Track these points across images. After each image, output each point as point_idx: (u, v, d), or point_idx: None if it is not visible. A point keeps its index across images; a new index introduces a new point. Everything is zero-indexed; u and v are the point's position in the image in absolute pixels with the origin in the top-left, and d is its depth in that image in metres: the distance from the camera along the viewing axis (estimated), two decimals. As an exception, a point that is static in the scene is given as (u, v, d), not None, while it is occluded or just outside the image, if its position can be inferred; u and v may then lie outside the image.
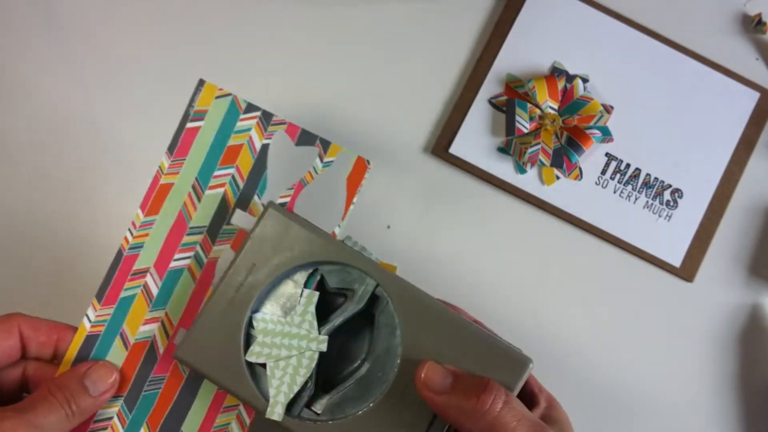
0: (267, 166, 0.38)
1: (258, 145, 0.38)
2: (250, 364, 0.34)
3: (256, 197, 0.38)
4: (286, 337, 0.34)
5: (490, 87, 0.52)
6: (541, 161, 0.51)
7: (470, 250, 0.51)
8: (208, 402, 0.37)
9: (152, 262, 0.37)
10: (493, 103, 0.52)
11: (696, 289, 0.51)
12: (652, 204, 0.52)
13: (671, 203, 0.52)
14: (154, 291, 0.37)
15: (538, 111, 0.51)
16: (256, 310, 0.35)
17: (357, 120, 0.52)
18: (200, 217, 0.38)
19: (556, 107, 0.51)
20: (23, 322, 0.35)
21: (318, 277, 0.35)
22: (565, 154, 0.51)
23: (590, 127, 0.51)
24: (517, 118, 0.50)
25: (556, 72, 0.52)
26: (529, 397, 0.37)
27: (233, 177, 0.38)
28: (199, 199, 0.38)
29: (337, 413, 0.34)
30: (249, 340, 0.35)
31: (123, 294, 0.37)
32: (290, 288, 0.35)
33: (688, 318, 0.51)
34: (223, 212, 0.38)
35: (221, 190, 0.38)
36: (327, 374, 0.35)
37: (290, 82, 0.53)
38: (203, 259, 0.38)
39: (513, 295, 0.51)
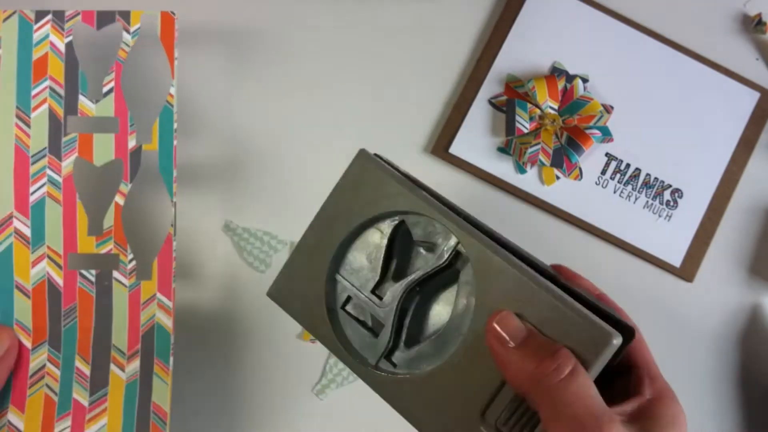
0: (79, 62, 0.37)
1: (62, 47, 0.37)
2: (331, 310, 0.34)
3: (81, 97, 0.37)
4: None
5: (490, 87, 0.52)
6: (541, 161, 0.51)
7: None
8: (125, 306, 0.37)
9: (11, 205, 0.37)
10: (493, 103, 0.52)
11: (696, 289, 0.51)
12: (652, 204, 0.52)
13: (671, 203, 0.52)
14: (27, 232, 0.37)
15: (538, 111, 0.51)
16: (341, 257, 0.35)
17: (357, 120, 0.52)
18: (36, 141, 0.37)
19: (556, 107, 0.51)
20: None
21: (403, 228, 0.35)
22: (565, 154, 0.51)
23: (590, 127, 0.51)
24: (517, 118, 0.50)
25: (556, 72, 0.52)
26: (635, 383, 0.32)
27: (51, 88, 0.37)
28: (28, 125, 0.37)
29: (413, 367, 0.33)
30: (334, 286, 0.35)
31: (0, 248, 0.37)
32: (376, 237, 0.35)
33: (688, 318, 0.51)
34: (57, 127, 0.37)
35: (45, 106, 0.37)
36: (413, 328, 0.35)
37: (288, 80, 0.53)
38: (58, 179, 0.37)
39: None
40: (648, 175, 0.52)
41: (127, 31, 0.37)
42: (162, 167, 0.37)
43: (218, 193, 0.51)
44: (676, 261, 0.51)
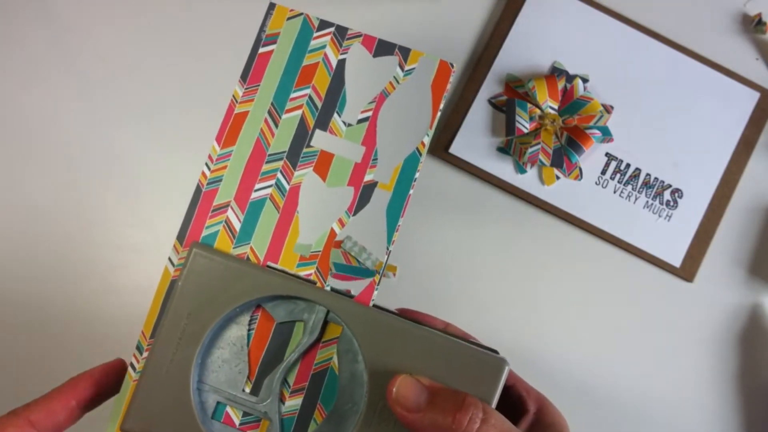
0: (345, 82, 0.36)
1: (334, 62, 0.37)
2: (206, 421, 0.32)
3: (336, 115, 0.36)
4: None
5: (490, 87, 0.52)
6: (541, 161, 0.51)
7: (469, 249, 0.51)
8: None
9: (232, 195, 0.36)
10: (493, 103, 0.52)
11: (696, 289, 0.51)
12: (652, 204, 0.52)
13: (671, 203, 0.52)
14: (237, 225, 0.35)
15: (538, 111, 0.51)
16: (202, 363, 0.33)
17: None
18: (279, 142, 0.36)
19: (556, 107, 0.51)
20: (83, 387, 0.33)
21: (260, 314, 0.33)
22: (565, 154, 0.51)
23: (590, 127, 0.51)
24: (517, 118, 0.50)
25: (556, 72, 0.52)
26: (516, 401, 0.35)
27: (310, 97, 0.36)
28: (276, 125, 0.36)
29: None
30: (201, 396, 0.33)
31: (205, 232, 0.35)
32: (235, 331, 0.33)
33: (688, 318, 0.51)
34: (302, 135, 0.36)
35: (299, 112, 0.36)
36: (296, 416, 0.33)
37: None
38: (285, 186, 0.36)
39: (512, 295, 0.51)
40: (648, 175, 0.52)
41: (402, 68, 0.37)
42: (390, 211, 0.35)
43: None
44: (676, 261, 0.51)
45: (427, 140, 0.36)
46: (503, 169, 0.51)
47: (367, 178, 0.36)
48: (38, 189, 0.52)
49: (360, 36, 0.37)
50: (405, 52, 0.37)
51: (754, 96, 0.53)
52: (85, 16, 0.53)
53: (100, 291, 0.51)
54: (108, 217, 0.52)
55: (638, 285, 0.51)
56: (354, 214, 0.35)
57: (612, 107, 0.52)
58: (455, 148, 0.51)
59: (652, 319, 0.51)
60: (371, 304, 0.33)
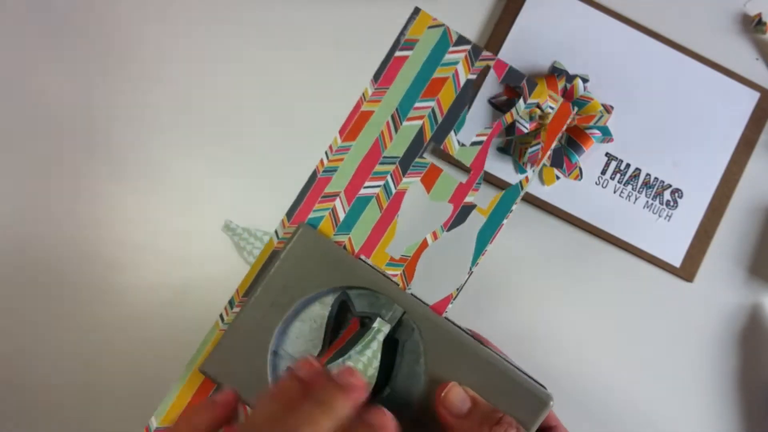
0: (467, 101, 0.38)
1: (462, 80, 0.38)
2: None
3: (452, 133, 0.38)
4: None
5: (490, 87, 0.52)
6: (541, 161, 0.51)
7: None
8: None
9: (343, 186, 0.38)
10: (493, 103, 0.52)
11: (696, 289, 0.51)
12: (652, 204, 0.52)
13: (671, 203, 0.52)
14: (341, 215, 0.38)
15: (538, 111, 0.51)
16: (283, 331, 0.35)
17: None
18: (395, 147, 0.38)
19: (556, 107, 0.51)
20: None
21: (345, 300, 0.36)
22: (565, 154, 0.51)
23: (590, 127, 0.51)
24: (517, 118, 0.50)
25: (556, 72, 0.52)
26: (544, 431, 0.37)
27: (433, 110, 0.38)
28: (396, 130, 0.38)
29: None
30: (276, 360, 0.35)
31: (312, 215, 0.38)
32: (318, 309, 0.36)
33: (688, 318, 0.51)
34: (418, 144, 0.38)
35: (419, 122, 0.38)
36: None
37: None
38: (392, 189, 0.38)
39: (511, 294, 0.51)
40: (648, 175, 0.52)
41: (524, 100, 0.38)
42: (481, 235, 0.37)
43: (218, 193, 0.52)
44: (676, 261, 0.51)
45: (531, 175, 0.37)
46: (503, 169, 0.51)
47: (468, 199, 0.38)
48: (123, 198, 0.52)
49: (493, 60, 0.38)
50: (531, 83, 0.38)
51: (754, 96, 0.53)
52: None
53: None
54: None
55: (638, 285, 0.51)
56: (448, 230, 0.37)
57: (612, 107, 0.52)
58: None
59: (651, 319, 0.51)
60: (444, 315, 0.36)
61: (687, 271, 0.51)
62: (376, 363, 0.34)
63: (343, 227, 0.37)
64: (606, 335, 0.51)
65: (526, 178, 0.37)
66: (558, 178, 0.51)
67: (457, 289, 0.36)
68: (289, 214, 0.38)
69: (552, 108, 0.52)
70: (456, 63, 0.38)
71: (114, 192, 0.52)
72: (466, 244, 0.37)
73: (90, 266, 0.51)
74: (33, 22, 0.53)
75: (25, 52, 0.53)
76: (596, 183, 0.52)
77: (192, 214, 0.52)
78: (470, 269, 0.37)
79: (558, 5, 0.53)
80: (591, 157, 0.52)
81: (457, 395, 0.33)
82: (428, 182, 0.37)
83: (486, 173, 0.51)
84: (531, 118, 0.50)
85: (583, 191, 0.52)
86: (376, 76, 0.38)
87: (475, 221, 0.37)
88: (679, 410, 0.50)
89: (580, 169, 0.52)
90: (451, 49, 0.38)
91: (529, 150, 0.50)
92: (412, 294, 0.36)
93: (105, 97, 0.53)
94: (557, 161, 0.51)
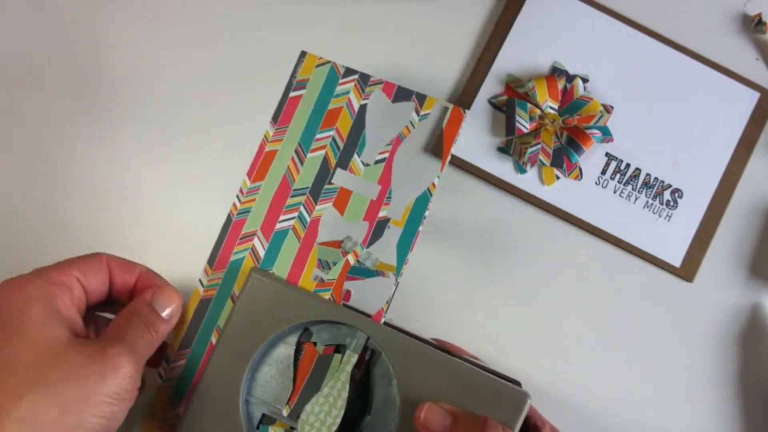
0: (365, 125, 0.39)
1: (356, 106, 0.40)
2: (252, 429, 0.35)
3: (355, 156, 0.39)
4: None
5: (490, 87, 0.52)
6: (541, 161, 0.51)
7: (468, 249, 0.51)
8: None
9: (259, 225, 0.39)
10: (493, 103, 0.52)
11: (696, 289, 0.51)
12: (652, 204, 0.52)
13: (671, 203, 0.52)
14: (261, 252, 0.39)
15: (538, 111, 0.51)
16: (252, 378, 0.36)
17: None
18: (303, 179, 0.39)
19: (556, 107, 0.51)
20: (110, 260, 0.36)
21: (309, 337, 0.36)
22: (565, 154, 0.51)
23: (590, 127, 0.51)
24: (517, 118, 0.50)
25: (556, 72, 0.52)
26: (531, 431, 0.37)
27: (333, 139, 0.40)
28: (302, 163, 0.40)
29: None
30: (249, 408, 0.35)
31: (233, 258, 0.39)
32: (283, 350, 0.36)
33: (688, 318, 0.51)
34: (324, 173, 0.39)
35: (322, 152, 0.40)
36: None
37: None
38: (307, 218, 0.39)
39: (511, 294, 0.51)
40: (648, 175, 0.52)
41: (417, 113, 0.40)
42: (400, 246, 0.38)
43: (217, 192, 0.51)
44: (676, 261, 0.51)
45: (437, 181, 0.39)
46: (503, 169, 0.51)
47: (381, 214, 0.39)
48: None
49: (381, 83, 0.40)
50: (421, 98, 0.39)
51: (754, 96, 0.53)
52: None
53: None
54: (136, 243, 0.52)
55: (638, 285, 0.51)
56: (368, 247, 0.38)
57: (612, 107, 0.52)
58: (455, 148, 0.51)
59: (651, 319, 0.51)
60: (382, 321, 0.36)
61: (687, 271, 0.51)
62: (345, 394, 0.34)
63: (265, 263, 0.38)
64: (605, 335, 0.51)
65: (433, 183, 0.39)
66: (558, 178, 0.51)
67: (387, 302, 0.37)
68: (210, 261, 0.39)
69: (552, 108, 0.52)
70: (347, 93, 0.40)
71: None
72: (388, 256, 0.38)
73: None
74: None
75: None
76: (596, 183, 0.52)
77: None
78: (396, 280, 0.37)
79: (558, 5, 0.53)
80: (591, 157, 0.52)
81: (435, 414, 0.33)
82: (340, 205, 0.39)
83: (486, 173, 0.51)
84: (531, 118, 0.50)
85: (583, 191, 0.52)
86: (275, 117, 0.40)
87: (393, 234, 0.38)
88: (679, 410, 0.50)
89: (580, 169, 0.52)
90: (341, 81, 0.40)
91: (529, 150, 0.50)
92: (372, 318, 0.36)
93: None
94: (557, 161, 0.51)
